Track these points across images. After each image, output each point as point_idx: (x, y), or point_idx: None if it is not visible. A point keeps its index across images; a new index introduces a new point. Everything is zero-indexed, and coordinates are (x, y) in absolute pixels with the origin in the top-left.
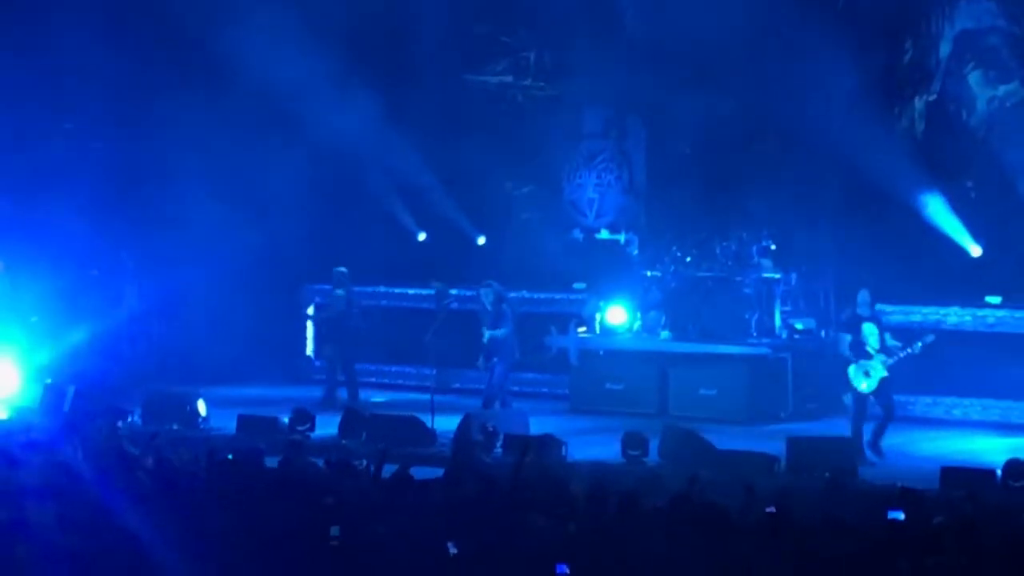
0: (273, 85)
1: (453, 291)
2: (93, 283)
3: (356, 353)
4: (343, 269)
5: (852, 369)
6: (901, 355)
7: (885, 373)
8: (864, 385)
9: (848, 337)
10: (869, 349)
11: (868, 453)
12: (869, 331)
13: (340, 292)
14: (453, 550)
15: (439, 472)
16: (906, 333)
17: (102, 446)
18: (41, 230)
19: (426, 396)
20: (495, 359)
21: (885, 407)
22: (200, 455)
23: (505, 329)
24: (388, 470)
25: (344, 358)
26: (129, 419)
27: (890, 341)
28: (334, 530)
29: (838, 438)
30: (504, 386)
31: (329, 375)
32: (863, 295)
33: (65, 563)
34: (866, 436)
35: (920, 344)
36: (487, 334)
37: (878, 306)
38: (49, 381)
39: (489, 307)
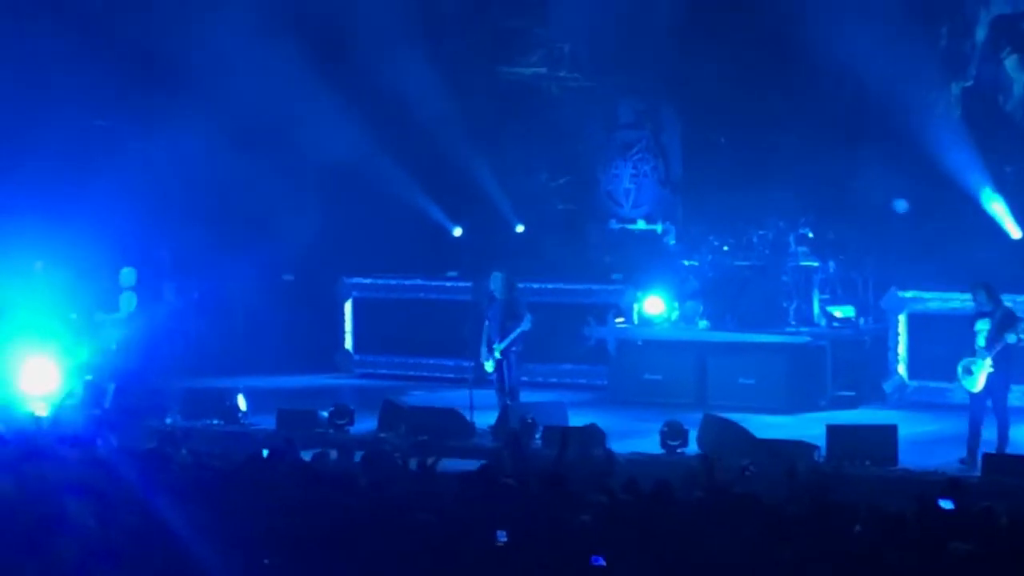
0: (312, 79)
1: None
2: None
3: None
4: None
5: (959, 368)
6: (998, 347)
7: (990, 368)
8: (969, 383)
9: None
10: (976, 346)
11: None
12: (980, 327)
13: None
14: (503, 538)
15: (478, 464)
16: (948, 321)
17: (142, 443)
18: (79, 227)
19: (464, 389)
20: (513, 349)
21: (998, 409)
22: (238, 450)
23: (530, 317)
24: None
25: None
26: (169, 415)
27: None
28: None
29: (878, 426)
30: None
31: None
32: (979, 293)
33: (104, 559)
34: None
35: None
36: (525, 323)
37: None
38: (89, 378)
39: (499, 295)
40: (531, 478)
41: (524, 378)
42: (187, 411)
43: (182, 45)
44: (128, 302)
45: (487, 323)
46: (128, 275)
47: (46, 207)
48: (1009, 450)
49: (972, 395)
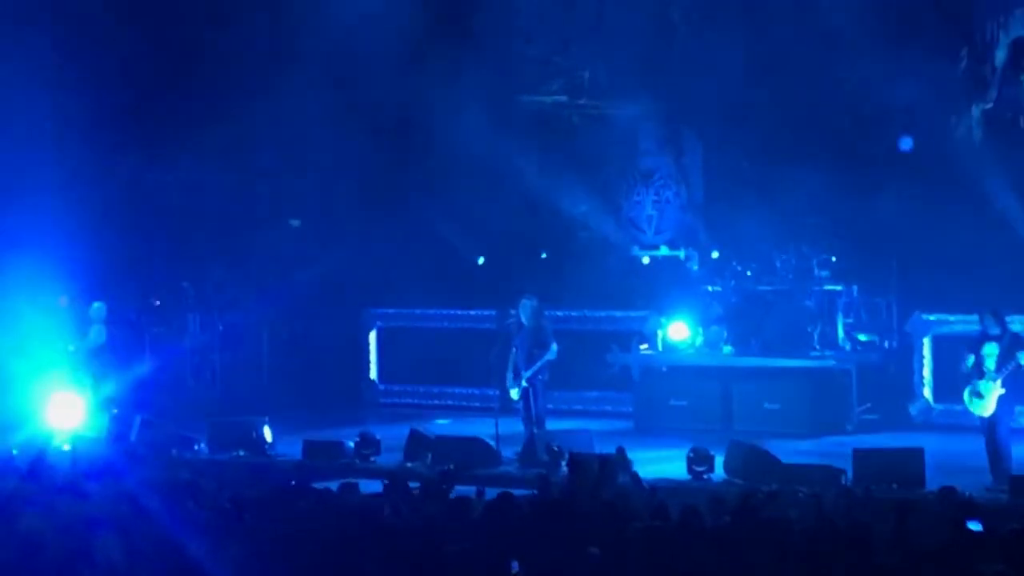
0: (332, 109)
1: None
2: (156, 314)
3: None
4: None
5: (966, 393)
6: (1009, 370)
7: (1000, 391)
8: (978, 407)
9: (972, 357)
10: (984, 369)
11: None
12: (989, 351)
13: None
14: (515, 568)
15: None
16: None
17: (169, 475)
18: (104, 262)
19: (490, 417)
20: (539, 377)
21: (1002, 430)
22: (264, 482)
23: (555, 346)
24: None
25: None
26: (196, 448)
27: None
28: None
29: (905, 449)
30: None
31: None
32: (987, 317)
33: None
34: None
35: None
36: (551, 352)
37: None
38: (115, 411)
39: (526, 322)
40: (561, 505)
41: (549, 406)
42: (213, 443)
43: (198, 78)
44: (98, 335)
45: (514, 350)
46: (99, 309)
47: (71, 242)
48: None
49: (983, 419)
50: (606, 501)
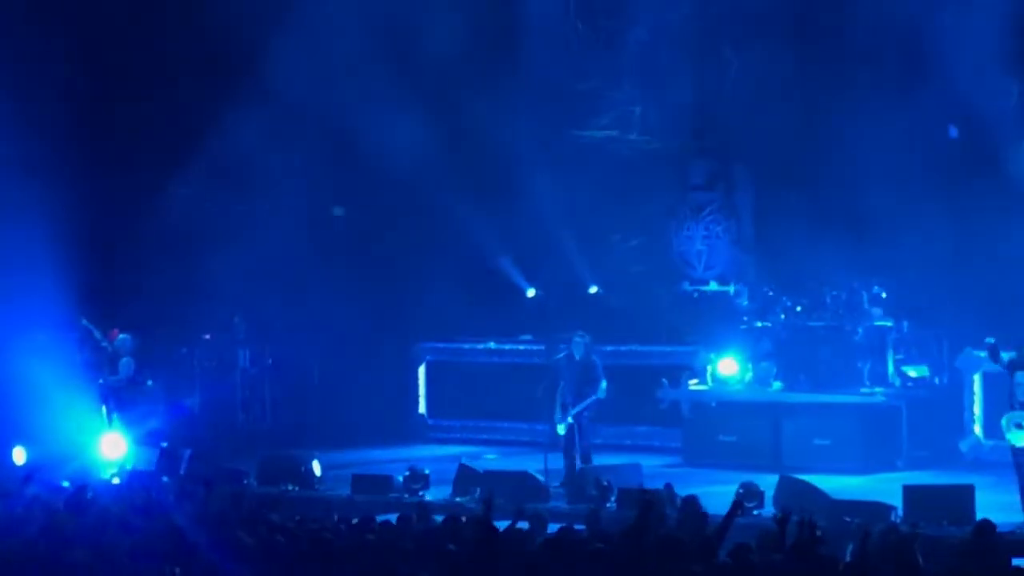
0: (382, 147)
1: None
2: (206, 347)
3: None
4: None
5: (1004, 421)
6: None
7: None
8: (1018, 438)
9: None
10: (1018, 400)
11: None
12: (1021, 379)
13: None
14: None
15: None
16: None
17: (218, 509)
18: (154, 296)
19: (539, 452)
20: (586, 413)
21: None
22: (314, 516)
23: (605, 384)
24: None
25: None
26: (245, 482)
27: None
28: None
29: (955, 486)
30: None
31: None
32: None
33: None
34: None
35: None
36: (600, 391)
37: None
38: (164, 444)
39: (578, 358)
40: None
41: (598, 440)
42: (262, 476)
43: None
44: (126, 367)
45: (562, 384)
46: (124, 341)
47: (122, 274)
48: None
49: (1016, 450)
50: (658, 537)
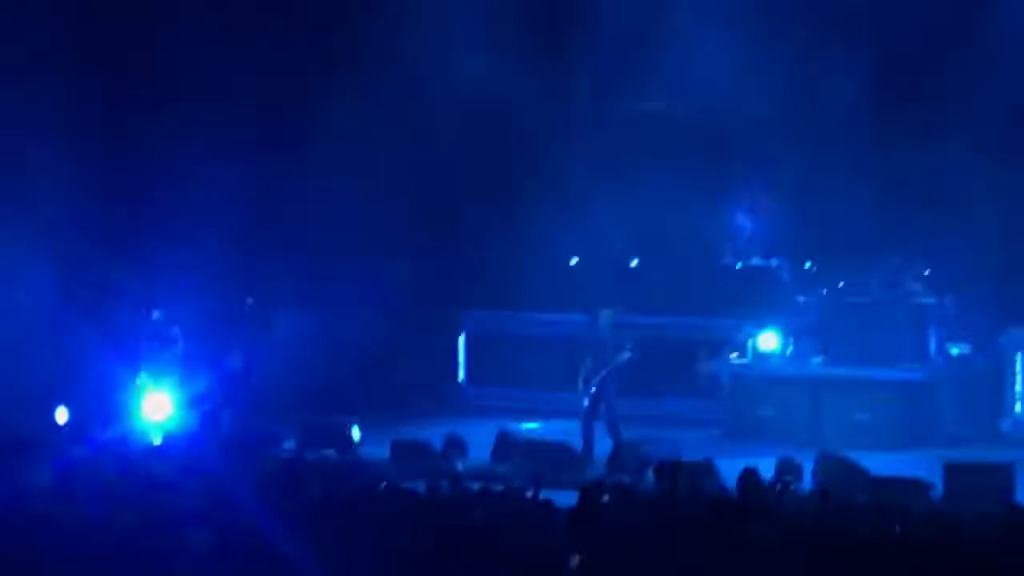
0: (428, 111)
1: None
2: (248, 312)
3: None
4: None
5: None
6: None
7: None
8: None
9: None
10: None
11: None
12: None
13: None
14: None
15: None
16: None
17: (258, 472)
18: (197, 260)
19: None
20: (612, 385)
21: None
22: (352, 481)
23: (629, 352)
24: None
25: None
26: (285, 445)
27: None
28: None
29: (995, 464)
30: None
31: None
32: None
33: None
34: None
35: None
36: (623, 356)
37: None
38: (206, 407)
39: (603, 331)
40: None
41: (637, 412)
42: (302, 441)
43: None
44: (175, 334)
45: (588, 358)
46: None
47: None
48: None
49: None
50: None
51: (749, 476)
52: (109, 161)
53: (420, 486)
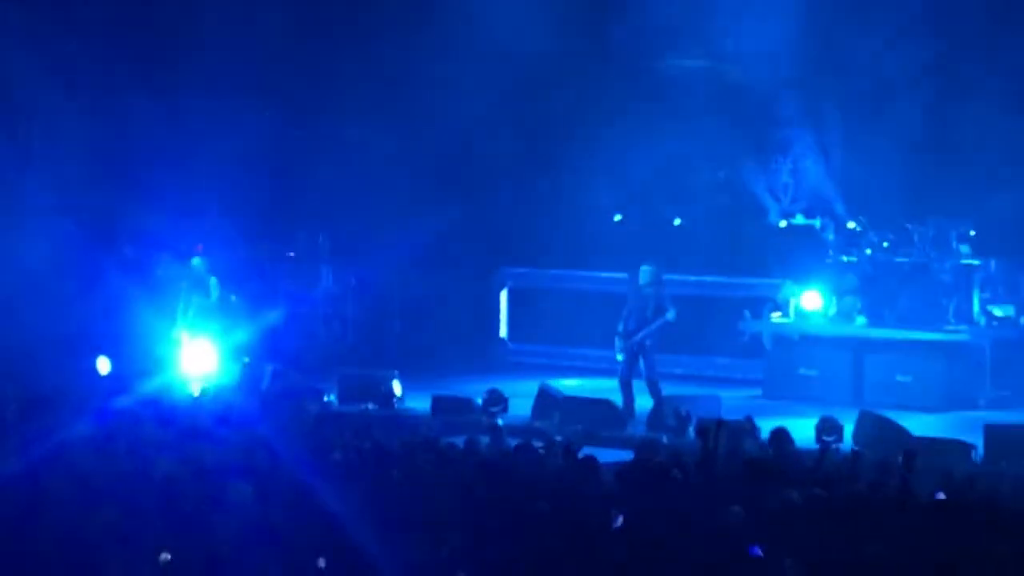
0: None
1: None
2: (290, 265)
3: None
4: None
5: None
6: None
7: None
8: None
9: None
10: None
11: None
12: None
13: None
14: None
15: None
16: None
17: (299, 425)
18: (238, 214)
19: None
20: (648, 343)
21: None
22: (393, 435)
23: (674, 310)
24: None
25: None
26: (326, 399)
27: None
28: None
29: None
30: None
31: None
32: None
33: (261, 539)
34: None
35: None
36: (670, 315)
37: None
38: (247, 360)
39: (646, 288)
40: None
41: (678, 370)
42: (342, 395)
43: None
44: (215, 287)
45: (626, 312)
46: (200, 264)
47: (209, 197)
48: None
49: None
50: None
51: (780, 436)
52: (152, 112)
53: (460, 441)
